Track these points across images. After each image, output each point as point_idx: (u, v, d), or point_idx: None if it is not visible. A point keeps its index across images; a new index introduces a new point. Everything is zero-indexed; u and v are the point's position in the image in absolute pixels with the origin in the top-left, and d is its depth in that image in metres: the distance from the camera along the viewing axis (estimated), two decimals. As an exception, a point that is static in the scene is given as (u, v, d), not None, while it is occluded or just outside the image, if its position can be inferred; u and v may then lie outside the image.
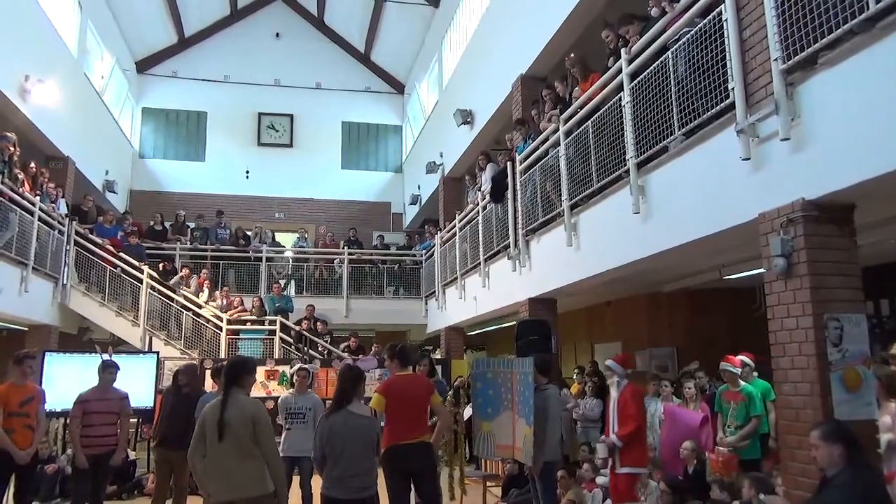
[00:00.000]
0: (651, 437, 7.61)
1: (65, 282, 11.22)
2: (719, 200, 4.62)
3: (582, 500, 5.95)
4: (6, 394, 5.84)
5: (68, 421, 6.32)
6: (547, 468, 5.07)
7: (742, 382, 5.95)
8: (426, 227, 14.91)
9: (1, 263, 9.01)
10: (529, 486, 6.30)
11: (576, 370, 10.55)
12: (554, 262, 7.45)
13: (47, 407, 6.20)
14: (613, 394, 5.66)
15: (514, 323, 7.72)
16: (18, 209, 9.44)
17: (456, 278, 11.31)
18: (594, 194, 6.45)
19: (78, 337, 12.40)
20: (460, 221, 11.18)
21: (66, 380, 8.07)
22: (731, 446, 5.79)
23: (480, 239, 9.83)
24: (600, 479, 6.38)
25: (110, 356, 6.46)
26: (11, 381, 6.00)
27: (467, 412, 7.97)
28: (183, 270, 12.28)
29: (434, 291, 13.07)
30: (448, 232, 12.22)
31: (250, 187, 17.82)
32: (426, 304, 13.98)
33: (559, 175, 7.07)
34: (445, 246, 12.34)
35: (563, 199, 6.96)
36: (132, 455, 8.85)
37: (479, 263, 9.84)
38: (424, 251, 14.21)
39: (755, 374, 6.14)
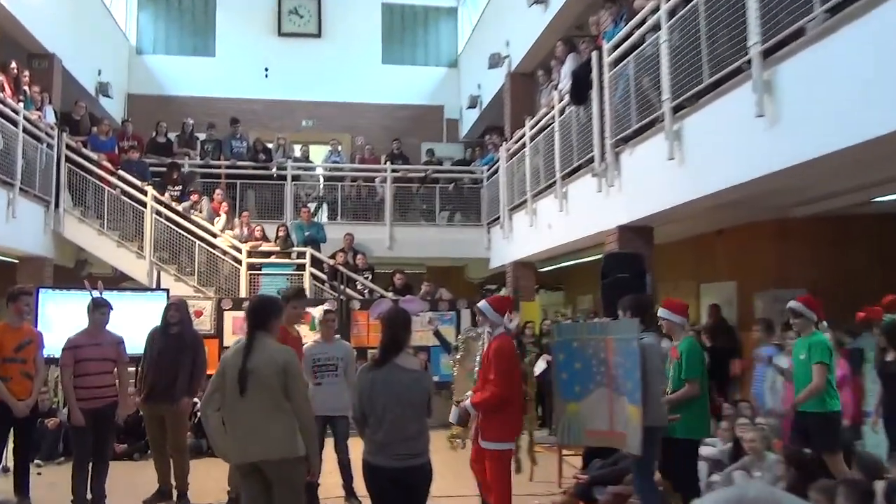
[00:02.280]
0: (771, 399, 7.56)
1: (57, 205, 11.69)
2: (876, 97, 4.36)
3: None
4: (0, 337, 6.18)
5: (59, 371, 6.64)
6: (647, 434, 5.07)
7: (684, 336, 5.85)
8: (488, 136, 14.72)
9: (-17, 184, 9.43)
10: (617, 456, 6.37)
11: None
12: (651, 180, 7.35)
13: (44, 352, 6.55)
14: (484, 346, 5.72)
15: (599, 257, 7.68)
16: (0, 119, 9.76)
17: (525, 201, 11.26)
18: (705, 92, 6.26)
19: (75, 271, 12.95)
20: (531, 129, 11.05)
21: (63, 320, 8.48)
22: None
23: (557, 151, 9.72)
24: (704, 451, 6.39)
25: (100, 293, 6.70)
26: (5, 321, 6.33)
27: (539, 366, 8.04)
28: (192, 196, 12.54)
29: (498, 217, 13.06)
30: (516, 143, 12.10)
31: (270, 89, 17.88)
32: (489, 232, 14.00)
33: (659, 68, 6.87)
34: (512, 160, 12.24)
35: (663, 99, 6.79)
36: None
37: (555, 182, 9.78)
38: (486, 167, 14.14)
39: (816, 326, 6.00)
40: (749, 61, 5.46)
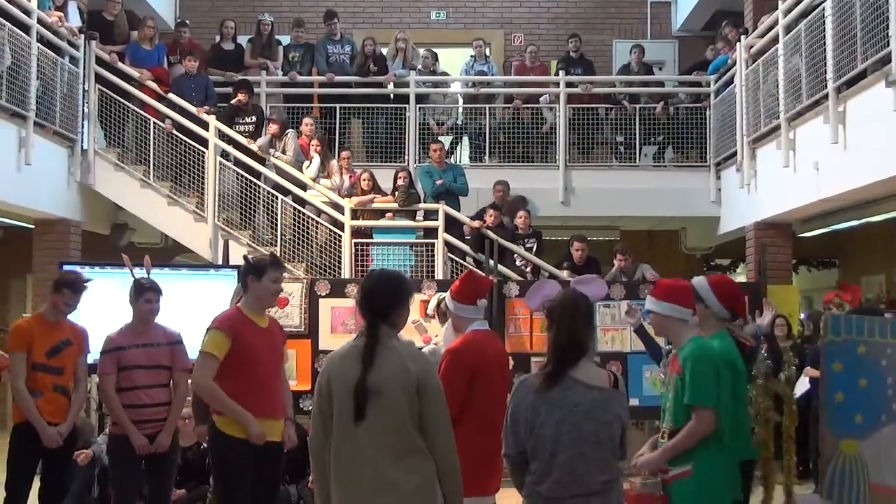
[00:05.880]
0: None
1: (85, 146, 12.34)
2: None
3: None
4: (30, 332, 6.67)
5: (98, 381, 7.11)
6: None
7: (689, 337, 5.42)
8: (719, 28, 14.31)
9: (-15, 117, 10.07)
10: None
11: None
12: None
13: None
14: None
15: (897, 214, 7.41)
16: (7, 23, 10.27)
17: (778, 127, 11.00)
18: None
19: (112, 239, 13.68)
20: (786, 14, 10.79)
21: (96, 310, 8.89)
22: (644, 471, 5.32)
23: (829, 47, 9.43)
24: None
25: (147, 272, 7.09)
26: (40, 312, 6.88)
27: (800, 385, 7.89)
28: (270, 126, 12.81)
29: (734, 154, 12.84)
30: (762, 36, 11.87)
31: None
32: (718, 177, 13.79)
33: None
34: (757, 64, 11.99)
35: None
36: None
37: (827, 96, 9.50)
38: (714, 76, 13.88)
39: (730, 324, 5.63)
40: None
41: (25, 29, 10.73)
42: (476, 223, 12.42)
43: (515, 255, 12.35)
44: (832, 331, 5.52)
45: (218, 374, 5.87)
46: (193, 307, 8.66)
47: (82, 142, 12.30)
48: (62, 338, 6.70)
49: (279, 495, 6.68)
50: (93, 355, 7.59)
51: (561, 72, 14.38)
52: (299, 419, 8.31)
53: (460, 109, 14.90)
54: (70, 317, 7.29)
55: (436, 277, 11.72)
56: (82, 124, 12.32)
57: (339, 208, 12.35)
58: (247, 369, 5.82)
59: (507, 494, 6.29)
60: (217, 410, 5.92)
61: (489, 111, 14.56)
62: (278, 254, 12.14)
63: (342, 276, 11.72)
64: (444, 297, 7.09)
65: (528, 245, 12.47)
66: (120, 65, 12.77)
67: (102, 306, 8.72)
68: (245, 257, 6.36)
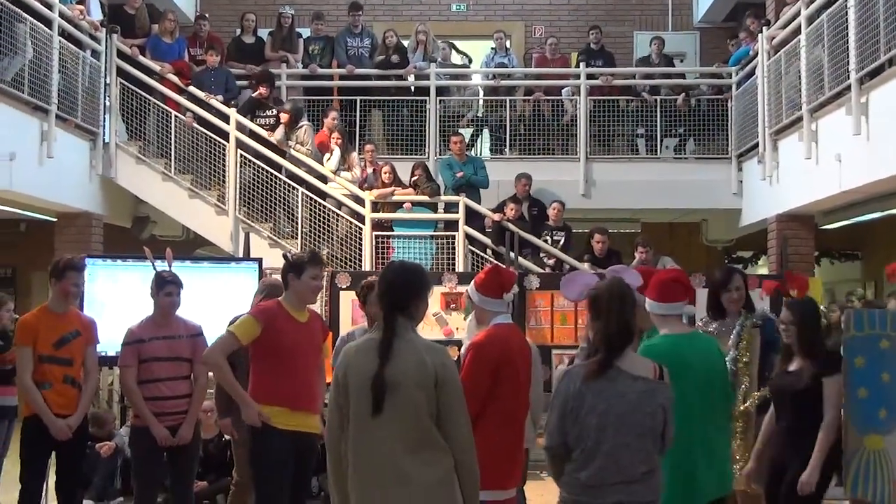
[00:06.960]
0: None
1: (107, 139, 12.40)
2: None
3: None
4: (35, 325, 6.68)
5: (119, 373, 7.13)
6: None
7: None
8: (741, 20, 14.23)
9: (8, 110, 10.04)
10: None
11: None
12: None
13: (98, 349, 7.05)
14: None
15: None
16: (28, 17, 10.36)
17: (800, 119, 10.94)
18: None
19: (133, 232, 13.74)
20: (808, 5, 10.71)
21: (117, 303, 9.00)
22: None
23: (852, 38, 9.37)
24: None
25: (169, 265, 7.05)
26: (46, 304, 6.87)
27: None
28: (280, 115, 12.64)
29: (756, 146, 12.77)
30: (784, 27, 11.79)
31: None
32: (740, 169, 13.73)
33: None
34: (779, 55, 11.92)
35: None
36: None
37: (849, 87, 9.45)
38: (735, 67, 13.81)
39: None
40: None
41: (47, 23, 10.80)
42: (497, 216, 12.44)
43: (539, 248, 12.35)
44: (855, 325, 5.48)
45: (254, 365, 5.97)
46: (214, 300, 8.69)
47: (104, 135, 12.39)
48: (70, 329, 6.70)
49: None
50: (111, 346, 7.66)
51: (581, 64, 14.33)
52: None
53: (481, 102, 14.88)
54: (92, 309, 7.31)
55: (456, 270, 11.75)
56: (104, 118, 12.40)
57: (360, 201, 12.38)
58: (282, 361, 5.87)
59: (534, 486, 6.33)
60: (260, 402, 5.93)
61: (510, 103, 14.49)
62: (298, 247, 12.17)
63: (363, 269, 11.71)
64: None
65: (556, 237, 12.49)
66: (141, 58, 12.83)
67: (124, 299, 8.78)
68: (285, 255, 6.38)
